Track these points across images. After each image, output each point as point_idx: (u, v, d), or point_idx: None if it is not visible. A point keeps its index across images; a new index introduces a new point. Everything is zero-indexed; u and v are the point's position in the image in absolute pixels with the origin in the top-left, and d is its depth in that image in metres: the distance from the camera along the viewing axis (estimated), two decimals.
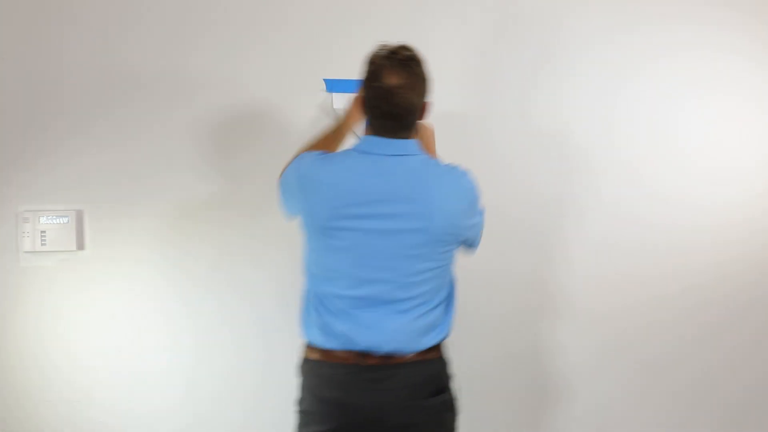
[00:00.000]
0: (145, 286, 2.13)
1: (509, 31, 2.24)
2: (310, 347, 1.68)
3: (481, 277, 2.16)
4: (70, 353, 2.11)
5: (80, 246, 2.10)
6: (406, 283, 1.59)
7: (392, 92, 1.55)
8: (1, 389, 2.09)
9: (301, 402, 1.69)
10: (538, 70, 2.25)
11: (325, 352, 1.63)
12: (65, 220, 2.08)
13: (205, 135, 2.13)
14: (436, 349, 1.67)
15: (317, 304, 1.65)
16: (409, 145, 1.61)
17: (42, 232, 2.07)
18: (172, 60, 2.10)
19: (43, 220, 2.07)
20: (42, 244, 2.07)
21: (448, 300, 1.70)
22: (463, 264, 1.79)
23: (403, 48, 1.60)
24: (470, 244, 1.71)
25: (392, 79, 1.54)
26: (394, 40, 1.63)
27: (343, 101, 2.03)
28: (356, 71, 1.67)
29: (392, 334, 1.59)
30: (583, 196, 2.30)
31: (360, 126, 1.74)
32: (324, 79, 2.13)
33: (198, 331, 2.16)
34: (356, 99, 1.69)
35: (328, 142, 1.77)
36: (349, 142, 1.76)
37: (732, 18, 2.33)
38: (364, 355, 1.59)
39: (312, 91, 2.14)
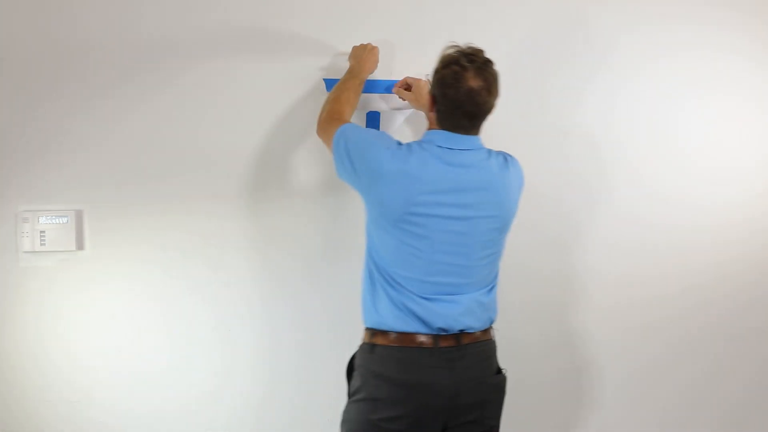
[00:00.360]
0: (145, 286, 2.13)
1: (521, 34, 2.24)
2: (379, 333, 1.71)
3: None
4: (69, 353, 2.11)
5: (80, 246, 2.10)
6: (475, 267, 1.72)
7: (475, 94, 1.65)
8: (1, 389, 2.09)
9: (365, 389, 1.71)
10: (542, 70, 2.26)
11: (400, 336, 1.68)
12: (65, 220, 2.07)
13: (205, 135, 2.13)
14: (490, 330, 1.80)
15: (391, 288, 1.70)
16: (478, 141, 1.74)
17: (41, 232, 2.07)
18: (173, 59, 2.10)
19: (42, 220, 2.07)
20: (41, 244, 2.07)
21: (495, 285, 1.82)
22: None
23: (478, 50, 1.70)
24: None
25: (475, 82, 1.64)
26: (396, 39, 1.66)
27: None
28: None
29: (462, 314, 1.71)
30: (584, 195, 2.31)
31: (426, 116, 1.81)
32: (324, 79, 2.13)
33: (198, 331, 2.16)
34: (428, 95, 1.74)
35: (351, 95, 1.90)
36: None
37: (732, 18, 2.32)
38: (438, 336, 1.68)
39: (312, 90, 2.13)
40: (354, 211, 2.16)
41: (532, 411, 2.31)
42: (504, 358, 1.82)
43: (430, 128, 1.77)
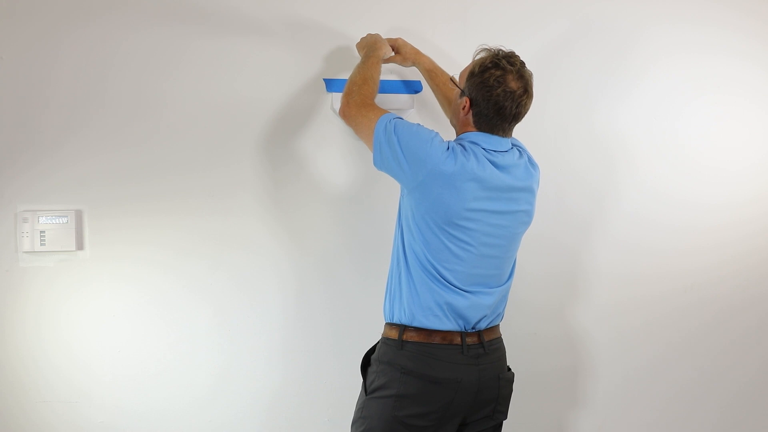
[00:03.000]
0: (145, 286, 2.13)
1: (523, 36, 2.25)
2: (410, 329, 1.73)
3: None
4: (69, 353, 2.11)
5: (79, 246, 2.09)
6: (508, 259, 1.81)
7: (517, 96, 1.70)
8: (1, 389, 2.08)
9: (391, 385, 1.71)
10: (547, 70, 2.25)
11: (431, 333, 1.72)
12: (64, 220, 2.07)
13: (205, 135, 2.13)
14: (499, 327, 1.86)
15: (432, 281, 1.72)
16: (509, 141, 1.80)
17: (41, 232, 2.06)
18: (172, 59, 2.10)
19: (42, 220, 2.06)
20: (41, 245, 2.06)
21: (511, 281, 1.88)
22: None
23: (513, 53, 1.74)
24: None
25: (516, 84, 1.70)
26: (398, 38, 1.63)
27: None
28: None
29: (495, 306, 1.79)
30: (587, 195, 2.32)
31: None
32: (324, 80, 2.13)
33: (198, 332, 2.16)
34: (465, 99, 1.76)
35: (375, 75, 1.91)
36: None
37: (735, 19, 2.33)
38: (465, 334, 1.73)
39: (312, 90, 2.14)
40: (355, 210, 2.17)
41: (531, 409, 2.31)
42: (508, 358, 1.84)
43: (464, 130, 1.78)
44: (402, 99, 2.16)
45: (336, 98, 2.09)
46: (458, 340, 1.72)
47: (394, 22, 2.17)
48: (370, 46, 2.00)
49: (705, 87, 2.35)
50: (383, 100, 2.11)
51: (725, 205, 2.39)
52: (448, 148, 1.69)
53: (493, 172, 1.70)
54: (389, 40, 2.08)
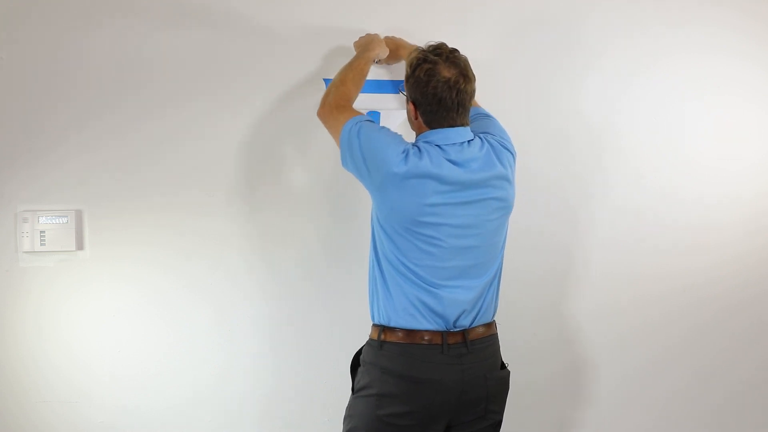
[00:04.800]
0: (145, 286, 2.13)
1: (522, 33, 2.25)
2: (388, 329, 1.72)
3: None
4: (69, 353, 2.11)
5: (79, 246, 2.09)
6: (487, 249, 1.75)
7: (453, 83, 1.67)
8: (1, 389, 2.09)
9: (373, 385, 1.71)
10: (549, 70, 2.26)
11: (409, 333, 1.70)
12: (64, 220, 2.07)
13: (205, 135, 2.13)
14: (493, 325, 1.82)
15: (404, 280, 1.71)
16: (469, 131, 1.75)
17: (41, 232, 2.06)
18: (172, 59, 2.10)
19: (42, 220, 2.06)
20: (41, 245, 2.07)
21: (499, 278, 1.83)
22: None
23: (440, 44, 1.73)
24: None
25: (449, 72, 1.67)
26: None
27: None
28: None
29: (475, 301, 1.74)
30: (589, 192, 2.32)
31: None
32: (324, 80, 2.13)
33: (198, 332, 2.16)
34: (408, 103, 1.75)
35: (357, 76, 1.92)
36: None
37: (733, 19, 2.33)
38: (447, 333, 1.70)
39: (311, 89, 2.14)
40: (354, 210, 2.16)
41: (529, 409, 2.30)
42: (502, 356, 1.83)
43: (419, 133, 1.77)
44: (392, 99, 2.16)
45: None
46: (438, 339, 1.69)
47: (394, 23, 2.17)
48: (362, 47, 2.02)
49: (705, 87, 2.35)
50: (373, 99, 2.12)
51: (725, 204, 2.39)
52: (404, 151, 1.67)
53: (450, 168, 1.67)
54: (387, 39, 2.08)
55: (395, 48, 2.07)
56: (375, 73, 2.11)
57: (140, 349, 2.14)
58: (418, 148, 1.69)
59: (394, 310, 1.72)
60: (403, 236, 1.69)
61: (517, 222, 1.89)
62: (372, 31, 2.09)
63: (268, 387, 2.20)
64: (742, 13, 2.33)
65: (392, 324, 1.72)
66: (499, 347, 1.82)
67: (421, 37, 1.94)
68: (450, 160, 1.68)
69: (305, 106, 2.12)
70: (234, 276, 2.16)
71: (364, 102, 2.12)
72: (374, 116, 2.14)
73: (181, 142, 2.12)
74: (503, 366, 1.83)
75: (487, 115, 1.93)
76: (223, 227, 2.15)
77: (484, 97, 2.04)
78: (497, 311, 1.83)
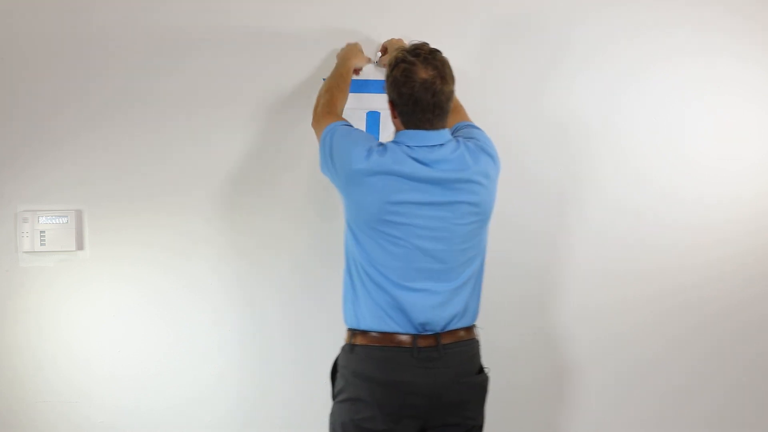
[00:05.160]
0: (145, 286, 2.13)
1: (523, 34, 2.25)
2: (359, 333, 1.71)
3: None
4: (69, 353, 2.11)
5: (79, 246, 2.10)
6: (456, 254, 1.70)
7: (429, 84, 1.65)
8: (2, 389, 2.09)
9: (347, 389, 1.71)
10: (547, 70, 2.26)
11: (379, 336, 1.68)
12: (64, 220, 2.08)
13: (205, 135, 2.13)
14: (473, 329, 1.78)
15: (372, 283, 1.69)
16: (446, 134, 1.72)
17: (41, 232, 2.07)
18: (172, 60, 2.10)
19: (42, 220, 2.07)
20: (41, 245, 2.07)
21: (478, 284, 1.79)
22: None
23: (421, 44, 1.71)
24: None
25: (426, 73, 1.65)
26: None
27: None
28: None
29: (443, 305, 1.70)
30: (586, 191, 2.31)
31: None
32: (324, 79, 2.13)
33: (197, 331, 2.16)
34: (389, 103, 1.75)
35: (341, 83, 1.94)
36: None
37: (732, 21, 2.34)
38: (417, 336, 1.67)
39: (308, 92, 2.14)
40: None
41: (515, 412, 2.29)
42: (486, 358, 1.81)
43: (397, 132, 1.76)
44: (380, 99, 2.16)
45: None
46: (408, 342, 1.67)
47: (394, 23, 2.17)
48: (342, 57, 2.05)
49: (705, 88, 2.35)
50: (362, 100, 2.12)
51: (725, 203, 2.38)
52: (368, 149, 1.67)
53: (413, 166, 1.65)
54: (388, 42, 2.08)
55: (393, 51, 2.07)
56: (376, 74, 2.11)
57: (140, 349, 2.14)
58: (385, 146, 1.69)
59: (363, 312, 1.71)
60: (369, 235, 1.68)
61: (511, 221, 1.92)
62: (371, 30, 2.09)
63: (267, 386, 2.20)
64: (741, 16, 2.34)
65: (362, 327, 1.71)
66: (477, 352, 1.78)
67: (413, 37, 1.93)
68: (415, 159, 1.66)
69: (303, 109, 2.11)
70: (233, 276, 2.17)
71: (364, 102, 2.12)
72: (374, 116, 2.15)
73: (181, 143, 2.12)
74: (482, 370, 1.78)
75: (475, 127, 1.88)
76: (223, 228, 2.15)
77: (475, 99, 2.05)
78: (479, 315, 1.80)
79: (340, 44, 2.13)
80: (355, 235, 1.71)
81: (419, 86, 1.64)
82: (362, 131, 1.78)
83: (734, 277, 2.40)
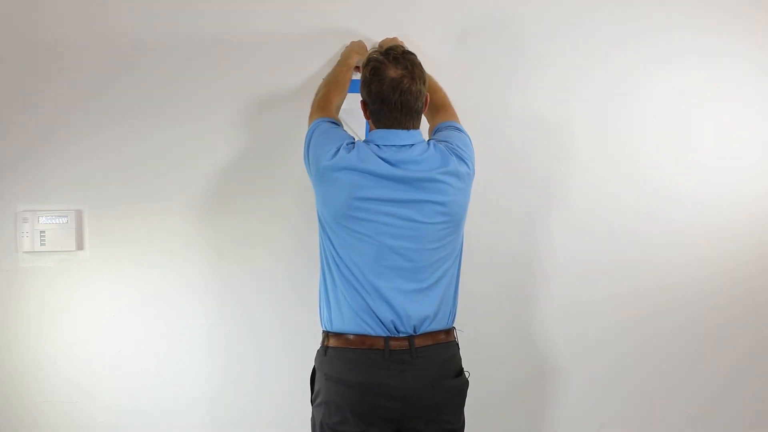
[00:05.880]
0: (145, 286, 2.14)
1: (523, 35, 2.26)
2: (332, 335, 1.72)
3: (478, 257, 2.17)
4: (69, 353, 2.11)
5: (79, 246, 2.10)
6: (426, 253, 1.70)
7: (397, 83, 1.67)
8: (2, 389, 2.09)
9: (321, 393, 1.71)
10: (538, 64, 2.27)
11: (351, 338, 1.69)
12: (64, 220, 2.08)
13: (204, 135, 2.13)
14: (451, 332, 1.78)
15: (344, 283, 1.70)
16: (417, 135, 1.73)
17: (41, 232, 2.07)
18: (173, 60, 2.10)
19: (42, 220, 2.07)
20: (41, 245, 2.07)
21: (453, 285, 1.79)
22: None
23: (396, 46, 1.75)
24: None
25: (395, 72, 1.67)
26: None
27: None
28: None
29: (414, 304, 1.69)
30: (587, 189, 2.32)
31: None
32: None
33: (197, 331, 2.16)
34: (361, 103, 1.77)
35: (340, 80, 1.96)
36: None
37: (734, 24, 2.34)
38: (390, 339, 1.67)
39: (304, 93, 2.13)
40: None
41: (495, 411, 2.27)
42: (467, 358, 1.80)
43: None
44: None
45: None
46: (380, 344, 1.66)
47: (394, 23, 2.17)
48: (343, 55, 2.07)
49: (705, 88, 2.35)
50: (357, 100, 2.11)
51: (725, 203, 2.39)
52: (338, 147, 1.69)
53: (378, 164, 1.66)
54: (384, 41, 2.08)
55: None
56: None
57: (140, 349, 2.14)
58: (354, 144, 1.71)
59: (335, 314, 1.71)
60: (336, 232, 1.69)
61: (501, 219, 1.90)
62: (372, 31, 2.09)
63: (268, 387, 2.20)
64: (741, 18, 2.34)
65: (334, 329, 1.71)
66: (455, 354, 1.77)
67: (418, 40, 1.94)
68: (381, 157, 1.67)
69: (299, 110, 2.10)
70: (234, 276, 2.17)
71: (355, 103, 2.10)
72: None
73: (181, 143, 2.12)
74: (460, 373, 1.77)
75: (456, 128, 1.87)
76: (223, 228, 2.15)
77: (486, 97, 2.05)
78: (456, 318, 1.79)
79: (339, 44, 2.13)
80: (326, 231, 1.73)
81: (387, 85, 1.67)
82: (343, 131, 1.79)
83: (730, 275, 2.40)
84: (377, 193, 1.65)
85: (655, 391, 2.39)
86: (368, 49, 2.10)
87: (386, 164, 1.66)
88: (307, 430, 2.16)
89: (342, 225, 1.68)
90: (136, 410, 2.15)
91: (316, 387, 1.74)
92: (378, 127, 1.73)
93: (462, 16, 2.22)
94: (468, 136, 1.85)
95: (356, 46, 2.09)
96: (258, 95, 2.14)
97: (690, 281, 2.38)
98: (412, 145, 1.70)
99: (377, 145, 1.70)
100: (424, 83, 1.71)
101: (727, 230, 2.39)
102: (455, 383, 1.74)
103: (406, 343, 1.68)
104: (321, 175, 1.69)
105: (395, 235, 1.67)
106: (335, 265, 1.71)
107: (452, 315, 1.78)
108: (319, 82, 2.05)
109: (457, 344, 1.79)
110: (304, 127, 2.02)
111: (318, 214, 1.76)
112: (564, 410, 2.34)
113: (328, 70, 2.07)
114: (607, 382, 2.36)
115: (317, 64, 2.15)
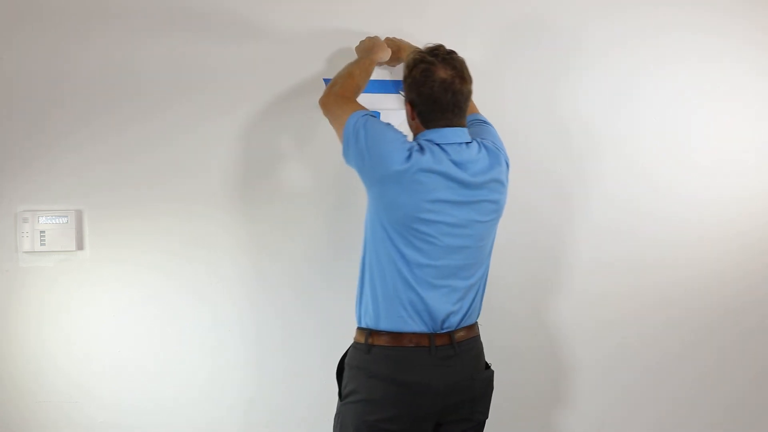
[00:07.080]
0: (145, 286, 2.13)
1: (524, 36, 2.27)
2: (375, 333, 1.72)
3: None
4: (69, 353, 2.11)
5: (79, 246, 2.10)
6: (480, 250, 1.75)
7: (449, 84, 1.68)
8: (2, 389, 2.09)
9: (361, 390, 1.71)
10: (548, 66, 2.28)
11: (396, 336, 1.69)
12: (64, 220, 2.07)
13: (205, 135, 2.13)
14: (476, 326, 1.82)
15: (398, 280, 1.69)
16: (466, 133, 1.75)
17: (41, 232, 2.06)
18: (173, 60, 2.10)
19: (42, 220, 2.06)
20: (41, 245, 2.07)
21: (485, 277, 1.82)
22: None
23: (438, 45, 1.74)
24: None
25: (446, 72, 1.68)
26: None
27: None
28: None
29: (462, 301, 1.74)
30: (590, 188, 2.33)
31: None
32: (324, 79, 2.13)
33: (197, 331, 2.16)
34: (406, 104, 1.76)
35: (363, 73, 1.94)
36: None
37: (734, 24, 2.35)
38: (434, 335, 1.70)
39: (308, 92, 2.13)
40: (346, 214, 2.17)
41: (513, 409, 2.29)
42: (487, 355, 1.83)
43: (417, 133, 1.76)
44: (392, 99, 2.16)
45: None
46: (426, 341, 1.69)
47: (394, 23, 2.17)
48: (365, 50, 2.03)
49: (706, 89, 2.36)
50: (374, 99, 2.11)
51: (725, 203, 2.40)
52: (408, 149, 1.67)
53: (449, 165, 1.67)
54: (388, 40, 2.08)
55: (396, 49, 2.07)
56: (376, 73, 2.10)
57: (140, 349, 2.14)
58: (420, 145, 1.70)
59: (384, 311, 1.71)
60: (399, 232, 1.68)
61: (515, 222, 1.91)
62: (372, 33, 2.09)
63: (268, 387, 2.21)
64: (741, 18, 2.35)
65: (380, 327, 1.71)
66: (482, 348, 1.83)
67: (422, 39, 1.93)
68: (452, 161, 1.68)
69: (308, 105, 2.11)
70: (233, 277, 2.17)
71: (364, 102, 2.11)
72: (375, 116, 2.14)
73: (181, 144, 2.12)
74: (488, 366, 1.83)
75: (484, 122, 1.93)
76: (223, 228, 2.15)
77: (486, 97, 2.05)
78: (480, 314, 1.83)
79: (339, 45, 2.14)
80: (385, 230, 1.70)
81: (439, 86, 1.67)
82: (389, 125, 1.77)
83: (727, 275, 2.42)
84: (445, 194, 1.67)
85: (675, 395, 2.41)
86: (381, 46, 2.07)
87: (454, 166, 1.68)
88: (306, 430, 2.19)
89: (406, 225, 1.67)
90: (136, 410, 2.15)
91: (351, 384, 1.73)
92: (428, 128, 1.72)
93: (468, 19, 2.23)
94: (493, 127, 1.90)
95: (376, 40, 2.06)
96: (262, 95, 2.14)
97: (707, 286, 2.41)
98: (469, 143, 1.73)
99: (438, 145, 1.69)
100: (471, 82, 1.73)
101: (733, 228, 2.41)
102: (486, 375, 1.80)
103: (447, 338, 1.71)
104: (390, 178, 1.66)
105: (456, 234, 1.69)
106: (388, 265, 1.70)
107: (480, 310, 1.83)
108: (323, 88, 2.05)
109: (481, 339, 1.84)
110: (302, 132, 2.03)
111: (373, 214, 1.72)
112: (581, 410, 2.37)
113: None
114: (626, 383, 2.39)
115: (326, 61, 2.15)
